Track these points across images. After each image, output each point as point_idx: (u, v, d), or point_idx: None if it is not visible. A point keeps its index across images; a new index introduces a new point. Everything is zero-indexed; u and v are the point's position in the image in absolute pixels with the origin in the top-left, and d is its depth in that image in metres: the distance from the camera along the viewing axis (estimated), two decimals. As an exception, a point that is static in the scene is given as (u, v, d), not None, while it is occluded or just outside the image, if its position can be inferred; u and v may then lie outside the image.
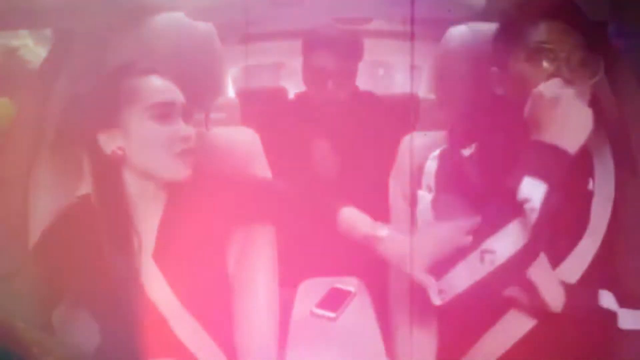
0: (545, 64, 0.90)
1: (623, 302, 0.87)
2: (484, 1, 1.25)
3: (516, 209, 0.82)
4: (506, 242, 0.82)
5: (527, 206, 0.81)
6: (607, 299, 0.87)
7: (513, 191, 0.82)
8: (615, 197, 0.93)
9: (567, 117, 0.84)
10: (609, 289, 0.90)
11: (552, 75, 0.88)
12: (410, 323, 1.10)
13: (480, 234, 0.84)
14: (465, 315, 0.93)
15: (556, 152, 0.83)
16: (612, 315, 0.86)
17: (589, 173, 0.95)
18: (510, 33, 0.96)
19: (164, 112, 0.95)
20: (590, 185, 0.94)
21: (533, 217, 0.81)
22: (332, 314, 1.21)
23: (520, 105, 0.93)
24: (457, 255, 0.84)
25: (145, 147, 0.96)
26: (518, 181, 0.82)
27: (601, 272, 0.90)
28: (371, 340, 1.17)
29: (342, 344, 1.15)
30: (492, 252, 0.82)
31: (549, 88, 0.86)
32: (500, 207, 0.84)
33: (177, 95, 0.98)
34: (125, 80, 0.97)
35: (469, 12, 1.23)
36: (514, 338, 0.90)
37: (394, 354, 1.13)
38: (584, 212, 0.92)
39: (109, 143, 0.96)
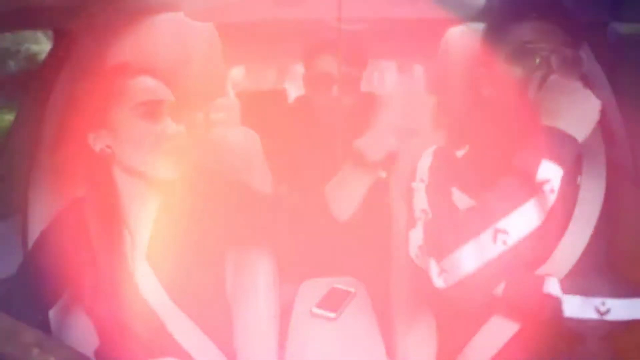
0: (527, 63, 0.90)
1: (616, 293, 0.87)
2: (484, 1, 1.25)
3: (532, 189, 0.80)
4: (521, 223, 0.80)
5: (546, 187, 0.79)
6: (552, 286, 0.85)
7: (529, 171, 0.80)
8: (607, 192, 0.93)
9: (577, 105, 0.83)
10: (601, 279, 0.89)
11: (534, 75, 0.88)
12: (410, 323, 1.10)
13: (493, 212, 0.81)
14: (464, 313, 0.93)
15: (568, 139, 0.81)
16: (556, 302, 0.84)
17: (578, 166, 0.95)
18: (495, 33, 0.97)
19: (150, 110, 0.95)
20: (579, 179, 0.94)
21: (552, 198, 0.79)
22: (332, 314, 1.21)
23: (505, 105, 0.93)
24: (464, 233, 0.81)
25: (133, 144, 0.96)
26: (536, 162, 0.80)
27: (593, 263, 0.90)
28: (371, 340, 1.17)
29: (342, 344, 1.15)
30: (505, 231, 0.79)
31: (556, 79, 0.86)
32: (515, 186, 0.82)
33: (164, 94, 0.98)
34: (117, 81, 0.97)
35: (469, 12, 1.23)
36: (505, 337, 0.91)
37: (394, 354, 1.13)
38: (571, 206, 0.92)
39: (98, 142, 0.97)
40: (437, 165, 0.99)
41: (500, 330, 0.92)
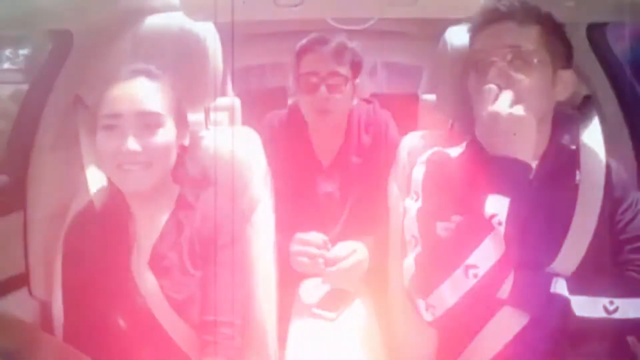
0: (481, 70, 0.95)
1: (621, 292, 0.89)
2: (484, 1, 1.24)
3: (487, 225, 0.88)
4: (486, 255, 0.88)
5: (494, 221, 0.87)
6: (559, 286, 0.89)
7: (479, 210, 0.89)
8: (607, 189, 0.94)
9: (513, 132, 0.89)
10: (606, 278, 0.91)
11: (490, 81, 0.92)
12: (410, 323, 1.10)
13: (462, 251, 0.89)
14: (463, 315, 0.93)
15: (515, 164, 0.89)
16: (564, 302, 0.88)
17: (576, 166, 0.96)
18: (469, 41, 1.02)
19: (110, 123, 0.94)
20: (577, 178, 0.95)
21: (501, 229, 0.87)
22: (332, 314, 1.21)
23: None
24: (442, 272, 0.90)
25: (99, 155, 0.96)
26: (483, 200, 0.89)
27: (597, 261, 0.91)
28: (371, 340, 1.17)
29: (342, 344, 1.15)
30: (474, 266, 0.88)
31: (485, 110, 0.90)
32: (472, 225, 0.90)
33: (127, 106, 0.94)
34: (108, 86, 0.97)
35: (469, 12, 1.23)
36: (508, 336, 0.92)
37: (394, 354, 1.13)
38: (572, 205, 0.93)
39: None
40: (431, 174, 1.02)
41: (502, 331, 0.92)
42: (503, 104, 0.89)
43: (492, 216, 0.87)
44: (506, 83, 0.91)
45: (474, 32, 1.00)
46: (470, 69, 0.99)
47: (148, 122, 0.95)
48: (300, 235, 1.32)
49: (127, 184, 0.96)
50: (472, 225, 0.90)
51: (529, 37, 0.93)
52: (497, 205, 0.87)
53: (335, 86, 1.36)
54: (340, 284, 1.29)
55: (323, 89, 1.35)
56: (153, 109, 0.96)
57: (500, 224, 0.87)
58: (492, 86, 0.91)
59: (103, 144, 0.94)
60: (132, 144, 0.92)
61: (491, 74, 0.92)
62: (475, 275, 0.87)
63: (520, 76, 0.91)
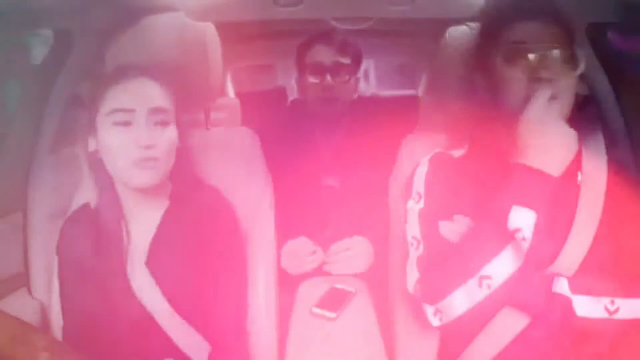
0: (521, 63, 0.90)
1: (622, 291, 0.88)
2: (484, 1, 1.24)
3: (506, 235, 0.86)
4: (501, 268, 0.87)
5: (518, 235, 0.85)
6: (561, 286, 0.88)
7: (501, 218, 0.85)
8: (609, 190, 0.93)
9: (553, 142, 0.86)
10: (607, 278, 0.90)
11: (528, 75, 0.89)
12: (410, 323, 1.10)
13: (476, 259, 0.88)
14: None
15: (542, 177, 0.85)
16: (566, 302, 0.87)
17: (578, 167, 0.96)
18: (488, 35, 0.97)
19: (123, 119, 0.94)
20: (579, 179, 0.94)
21: (525, 245, 0.85)
22: (332, 314, 1.21)
23: (503, 108, 0.93)
24: (453, 280, 0.89)
25: (108, 152, 0.96)
26: (507, 209, 0.85)
27: (598, 262, 0.91)
28: (371, 340, 1.17)
29: (342, 344, 1.15)
30: (488, 277, 0.87)
31: (534, 113, 0.87)
32: (490, 233, 0.88)
33: (139, 102, 0.95)
34: (111, 84, 0.97)
35: (469, 12, 1.23)
36: (509, 336, 0.92)
37: (394, 354, 1.13)
38: (574, 206, 0.93)
39: (91, 145, 0.98)
40: (433, 173, 1.01)
41: (504, 330, 0.92)
42: (552, 110, 0.86)
43: (516, 230, 0.85)
44: (551, 75, 0.88)
45: (506, 22, 0.94)
46: (498, 57, 0.93)
47: (158, 119, 0.95)
48: (287, 248, 1.33)
49: (140, 180, 0.96)
50: (490, 235, 0.88)
51: (565, 35, 0.92)
52: (522, 220, 0.84)
53: (339, 75, 1.43)
54: (345, 272, 1.32)
55: (328, 77, 1.41)
56: (164, 105, 0.97)
57: (525, 240, 0.84)
58: (545, 90, 0.87)
59: (116, 140, 0.94)
60: (149, 138, 0.93)
61: (535, 66, 0.88)
62: (488, 286, 0.87)
63: (561, 73, 0.89)
